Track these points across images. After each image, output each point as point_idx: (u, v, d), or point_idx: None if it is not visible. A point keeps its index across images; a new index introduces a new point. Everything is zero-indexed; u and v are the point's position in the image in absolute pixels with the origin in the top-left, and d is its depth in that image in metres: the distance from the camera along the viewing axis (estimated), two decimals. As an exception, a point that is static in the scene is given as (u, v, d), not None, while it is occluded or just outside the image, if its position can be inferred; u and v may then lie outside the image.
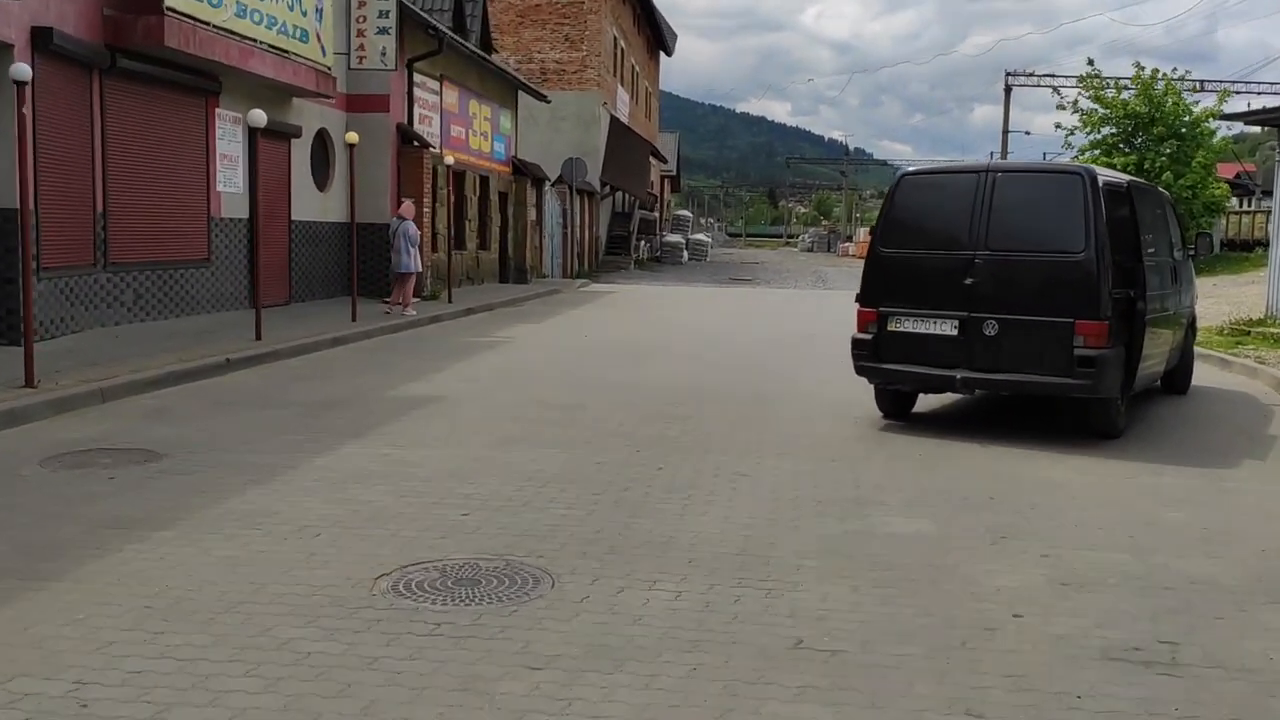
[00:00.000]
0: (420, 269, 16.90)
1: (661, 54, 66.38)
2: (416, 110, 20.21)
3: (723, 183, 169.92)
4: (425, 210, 19.58)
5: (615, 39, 44.12)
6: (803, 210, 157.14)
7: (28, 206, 8.52)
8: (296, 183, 17.07)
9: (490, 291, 23.11)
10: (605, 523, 5.76)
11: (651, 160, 56.89)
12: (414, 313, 16.70)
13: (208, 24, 13.05)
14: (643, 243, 47.80)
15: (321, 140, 18.29)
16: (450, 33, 20.86)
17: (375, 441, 7.74)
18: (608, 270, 39.83)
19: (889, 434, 8.66)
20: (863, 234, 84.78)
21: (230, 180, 15.17)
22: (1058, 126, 34.77)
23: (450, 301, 19.36)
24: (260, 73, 14.50)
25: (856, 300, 9.16)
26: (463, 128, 23.63)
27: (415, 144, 19.49)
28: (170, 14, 12.21)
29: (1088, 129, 34.00)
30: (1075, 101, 34.50)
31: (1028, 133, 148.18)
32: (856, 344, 8.95)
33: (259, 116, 12.47)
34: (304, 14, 15.57)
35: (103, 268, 12.42)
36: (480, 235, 25.71)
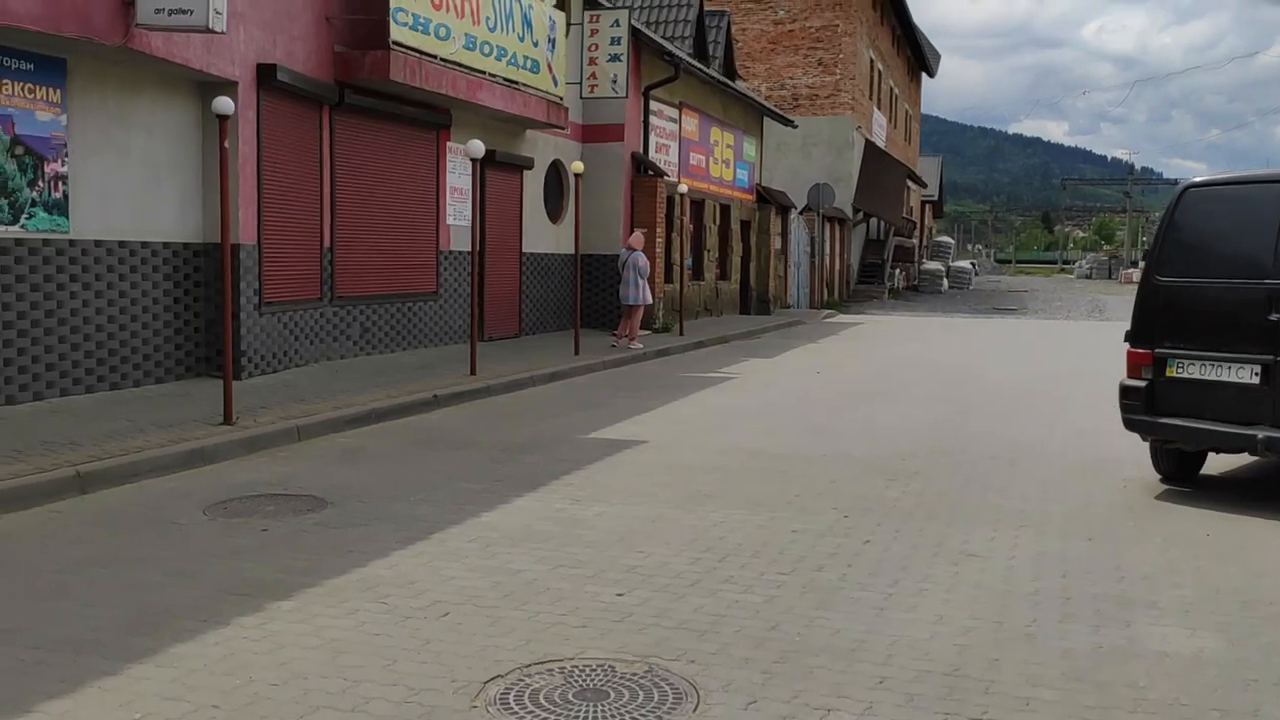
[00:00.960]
0: (649, 301, 16.34)
1: (924, 75, 63.92)
2: (653, 138, 19.79)
3: (992, 207, 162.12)
4: (659, 240, 19.07)
5: (871, 61, 42.58)
6: (1081, 235, 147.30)
7: (228, 241, 8.47)
8: (528, 214, 16.98)
9: (727, 323, 22.32)
10: (783, 616, 4.71)
11: (910, 185, 54.57)
12: (640, 346, 16.14)
13: (435, 57, 13.04)
14: (898, 271, 45.71)
15: (555, 171, 18.17)
16: (689, 59, 20.36)
17: (553, 494, 7.02)
18: (859, 300, 38.19)
19: (1167, 505, 7.05)
20: (1148, 259, 77.98)
21: (460, 213, 15.19)
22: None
23: (681, 334, 18.70)
24: (490, 105, 14.42)
25: (1126, 339, 7.61)
26: (703, 155, 23.06)
27: (649, 173, 19.05)
28: (396, 48, 12.24)
29: None
30: None
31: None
32: (1126, 392, 7.40)
33: (477, 148, 12.27)
34: (535, 44, 15.43)
35: (329, 301, 12.58)
36: (720, 265, 25.02)
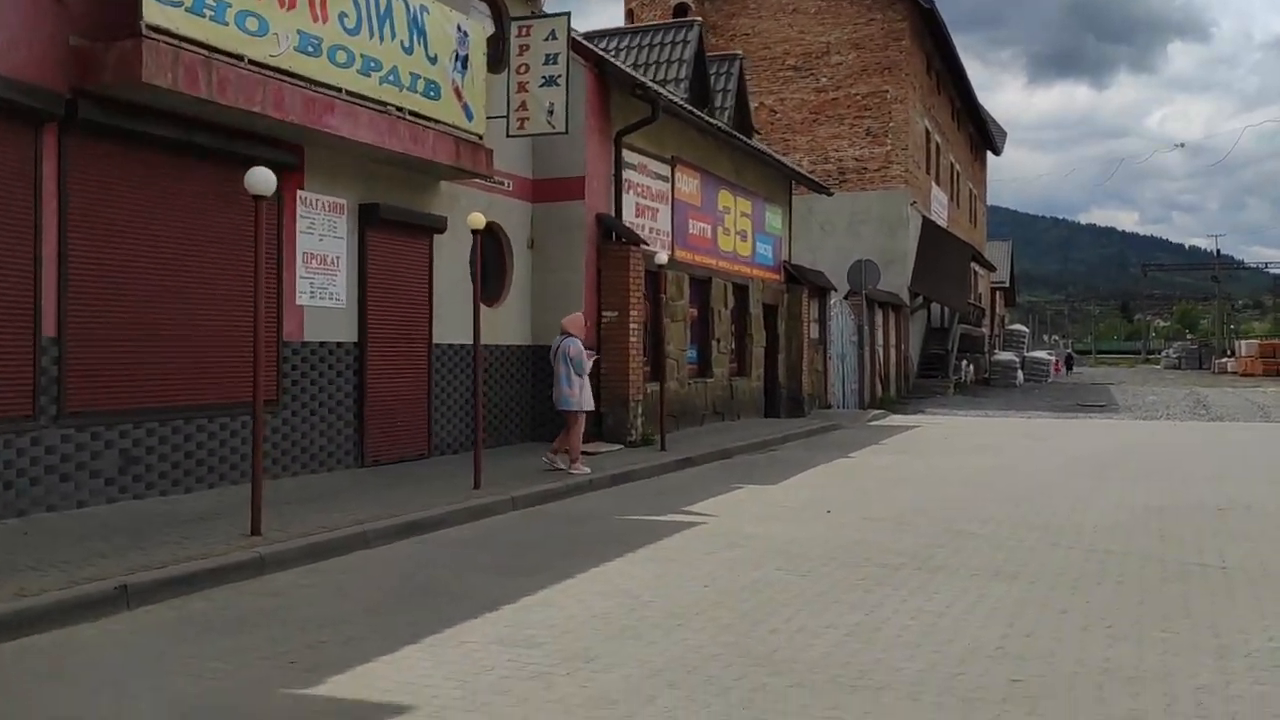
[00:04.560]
0: (589, 406, 11.76)
1: (989, 156, 59.40)
2: (631, 198, 15.47)
3: (1067, 297, 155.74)
4: (632, 325, 14.55)
5: (927, 131, 38.28)
6: (1162, 324, 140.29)
7: None
8: (443, 293, 12.64)
9: (740, 430, 17.60)
10: None
11: (977, 269, 49.60)
12: (585, 470, 11.54)
13: (241, 59, 8.88)
14: (966, 363, 40.54)
15: (493, 239, 13.89)
16: (678, 100, 16.11)
17: None
18: (919, 396, 33.12)
19: None
20: (1245, 346, 71.38)
21: (325, 290, 10.89)
22: None
23: (663, 449, 14.04)
24: (352, 137, 10.22)
25: None
26: (708, 224, 18.68)
27: (621, 240, 14.65)
28: (153, 37, 8.09)
29: None
30: None
31: None
32: None
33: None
34: (432, 61, 11.26)
35: (53, 420, 8.23)
36: (737, 358, 20.40)
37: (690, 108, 16.69)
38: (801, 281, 23.00)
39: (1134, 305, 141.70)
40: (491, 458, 12.22)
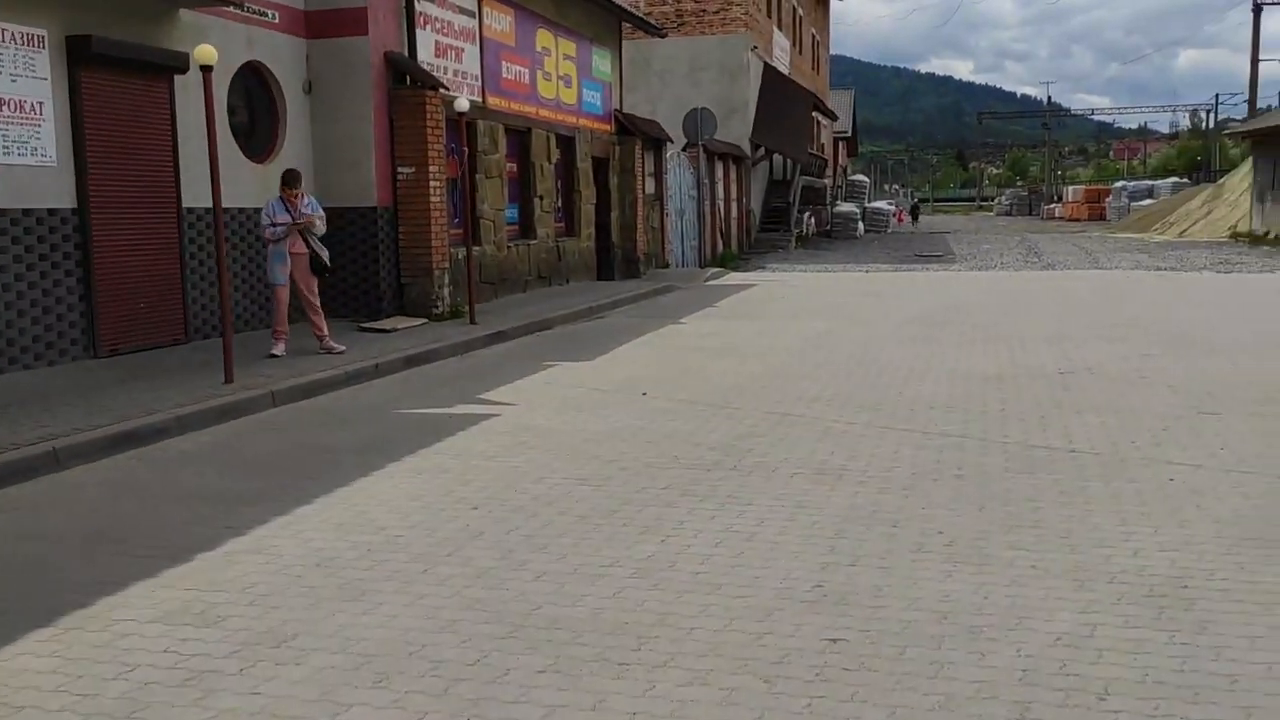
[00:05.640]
0: (278, 280, 10.09)
1: (831, 1, 57.89)
2: (428, 35, 13.49)
3: (907, 146, 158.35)
4: (433, 183, 12.81)
5: (768, -30, 36.45)
6: (995, 171, 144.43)
7: None
8: (193, 148, 10.61)
9: (566, 296, 16.25)
10: None
11: (820, 119, 48.75)
12: (340, 348, 10.09)
13: None
14: (808, 215, 39.97)
15: (259, 81, 11.82)
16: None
17: None
18: (761, 251, 32.39)
19: None
20: (1072, 192, 73.67)
21: (24, 144, 8.81)
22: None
23: (473, 321, 12.59)
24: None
25: None
26: (525, 67, 16.80)
27: (417, 83, 12.75)
28: None
29: None
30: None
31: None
32: None
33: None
34: None
35: None
36: (565, 217, 18.89)
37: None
38: (634, 132, 21.43)
39: (969, 154, 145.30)
40: (260, 342, 10.55)
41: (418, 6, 13.07)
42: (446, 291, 13.14)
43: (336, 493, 5.82)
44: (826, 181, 47.45)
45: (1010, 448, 6.57)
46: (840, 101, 64.39)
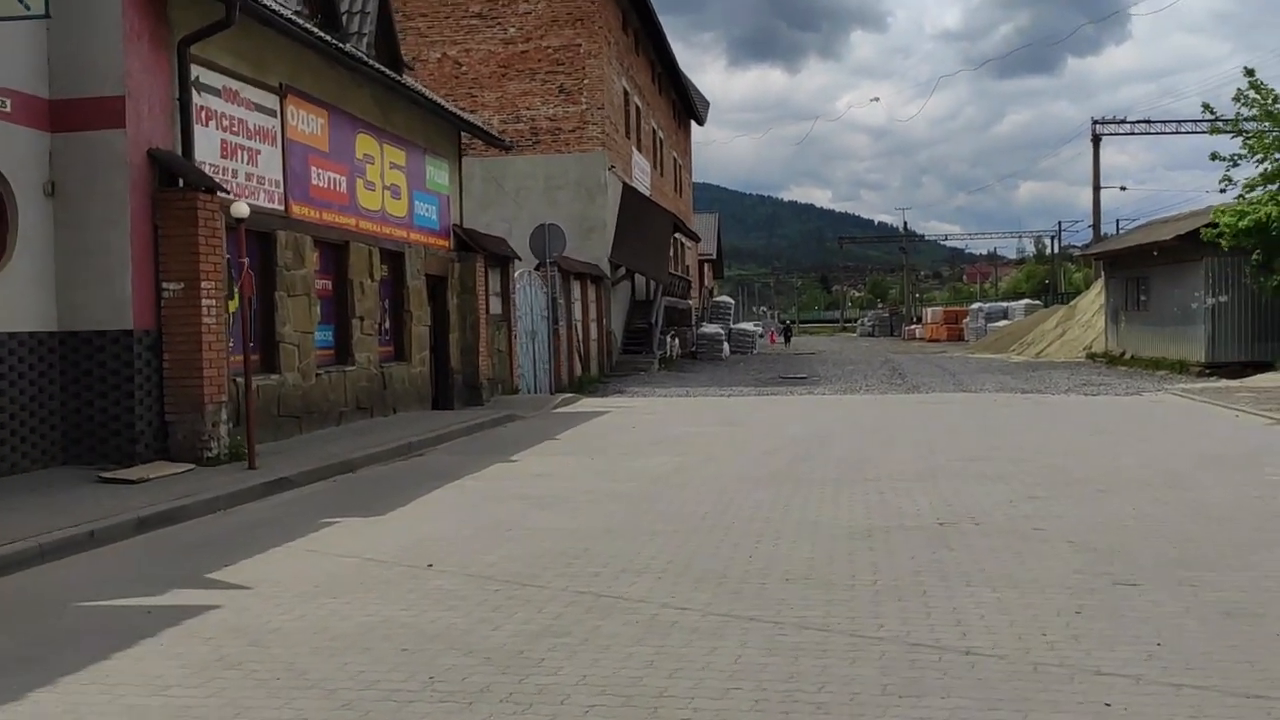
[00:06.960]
0: None
1: (694, 125, 58.51)
2: (212, 132, 11.63)
3: (773, 270, 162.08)
4: (208, 303, 10.76)
5: (626, 93, 36.02)
6: (857, 294, 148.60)
7: None
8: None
9: (385, 430, 14.18)
10: None
11: (684, 241, 48.37)
12: None
13: None
14: (672, 337, 38.89)
15: (-17, 181, 9.75)
16: (274, 4, 12.36)
17: None
18: (623, 374, 30.91)
19: None
20: (931, 314, 75.35)
21: None
22: (1214, 157, 25.81)
23: (251, 466, 10.44)
24: None
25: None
26: (342, 175, 15.05)
27: (191, 186, 10.81)
28: None
29: (1256, 155, 25.03)
30: (1237, 120, 25.52)
31: (1123, 188, 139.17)
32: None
33: None
34: None
35: None
36: (394, 339, 16.96)
37: (301, 22, 12.99)
38: (476, 249, 19.81)
39: (832, 277, 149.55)
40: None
41: (197, 100, 11.24)
42: (224, 430, 10.99)
43: None
44: (691, 303, 46.78)
45: (888, 649, 4.87)
46: (705, 225, 64.75)
